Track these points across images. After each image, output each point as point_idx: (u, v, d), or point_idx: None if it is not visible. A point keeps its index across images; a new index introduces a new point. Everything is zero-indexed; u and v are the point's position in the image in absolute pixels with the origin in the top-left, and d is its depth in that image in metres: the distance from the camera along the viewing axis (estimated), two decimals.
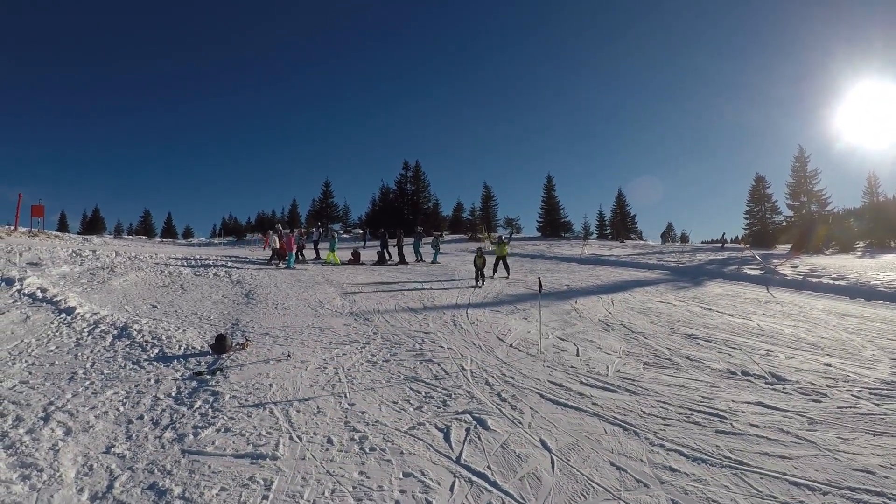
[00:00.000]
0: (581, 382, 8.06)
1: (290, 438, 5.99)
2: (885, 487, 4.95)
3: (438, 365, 8.88)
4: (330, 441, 5.93)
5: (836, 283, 20.38)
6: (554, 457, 5.56)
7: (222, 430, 6.23)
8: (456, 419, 6.58)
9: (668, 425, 6.46)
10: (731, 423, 6.46)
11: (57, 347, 9.77)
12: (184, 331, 10.99)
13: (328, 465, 5.41)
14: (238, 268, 22.43)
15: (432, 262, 27.94)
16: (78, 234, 60.91)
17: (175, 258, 24.07)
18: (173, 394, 7.51)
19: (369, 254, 30.63)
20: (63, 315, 11.78)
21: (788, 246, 45.05)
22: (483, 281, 18.69)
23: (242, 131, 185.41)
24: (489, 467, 5.33)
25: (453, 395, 7.42)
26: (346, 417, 6.63)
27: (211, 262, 23.66)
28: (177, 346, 9.85)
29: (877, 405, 7.16)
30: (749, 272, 24.29)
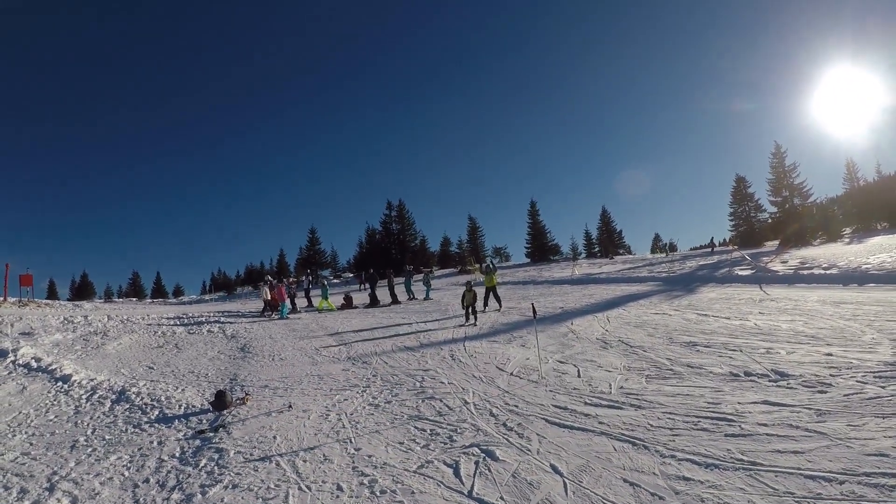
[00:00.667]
0: (585, 403, 8.03)
1: (300, 489, 5.90)
2: None
3: (441, 401, 8.81)
4: (339, 488, 5.85)
5: (828, 272, 20.56)
6: (566, 480, 5.51)
7: (230, 486, 6.14)
8: (464, 453, 6.51)
9: (676, 435, 6.43)
10: (739, 426, 6.44)
11: (56, 416, 9.63)
12: (182, 390, 10.87)
13: None
14: (231, 322, 22.38)
15: (425, 299, 27.94)
16: (68, 300, 60.74)
17: (167, 318, 23.90)
18: (177, 454, 7.40)
19: (362, 297, 30.59)
20: (59, 383, 11.65)
21: (776, 242, 45.37)
22: (476, 318, 17.50)
23: (225, 185, 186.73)
24: (502, 498, 5.27)
25: (459, 430, 7.34)
26: (353, 463, 6.54)
27: (203, 319, 23.52)
28: (177, 406, 9.72)
29: (883, 388, 7.19)
30: (740, 273, 24.48)
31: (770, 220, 54.78)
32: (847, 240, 41.72)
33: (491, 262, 23.05)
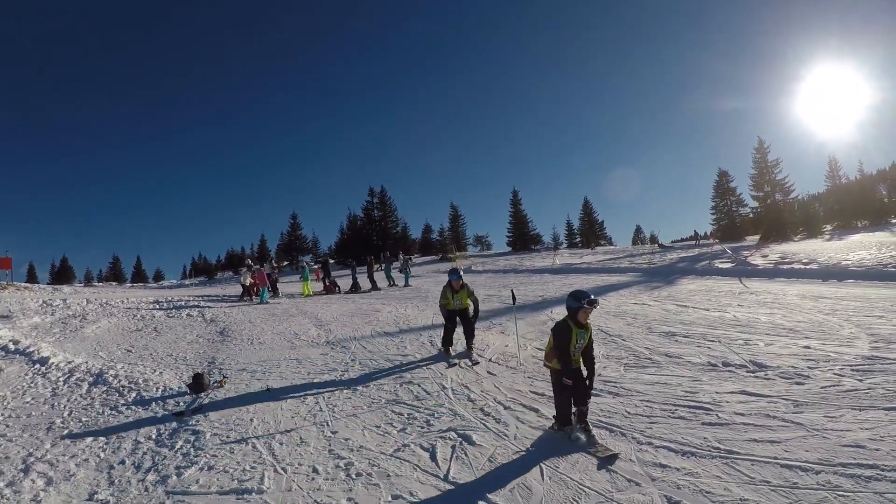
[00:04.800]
0: None
1: (275, 471, 5.88)
2: (876, 460, 5.01)
3: (419, 385, 8.80)
4: (315, 470, 5.83)
5: (808, 267, 20.66)
6: (543, 465, 5.52)
7: (205, 468, 6.10)
8: (441, 437, 6.52)
9: (654, 423, 6.48)
10: (716, 415, 6.49)
11: (33, 399, 9.51)
12: (160, 373, 10.78)
13: (315, 494, 5.31)
14: (210, 307, 22.25)
15: (405, 286, 27.87)
16: (48, 284, 60.18)
17: (147, 302, 23.74)
18: (153, 436, 7.34)
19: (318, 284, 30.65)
20: (37, 366, 11.51)
21: (757, 237, 45.72)
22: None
23: (207, 169, 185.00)
24: (478, 482, 5.28)
25: (436, 415, 7.35)
26: (329, 445, 6.53)
27: (183, 303, 23.41)
28: (154, 389, 9.64)
29: (860, 381, 7.26)
30: (721, 266, 24.57)
31: (751, 215, 55.08)
32: (827, 236, 42.29)
33: (464, 267, 20.93)
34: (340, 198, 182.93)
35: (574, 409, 6.38)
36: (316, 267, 37.11)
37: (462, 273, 10.98)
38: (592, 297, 6.35)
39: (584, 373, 6.42)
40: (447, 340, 10.93)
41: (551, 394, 7.32)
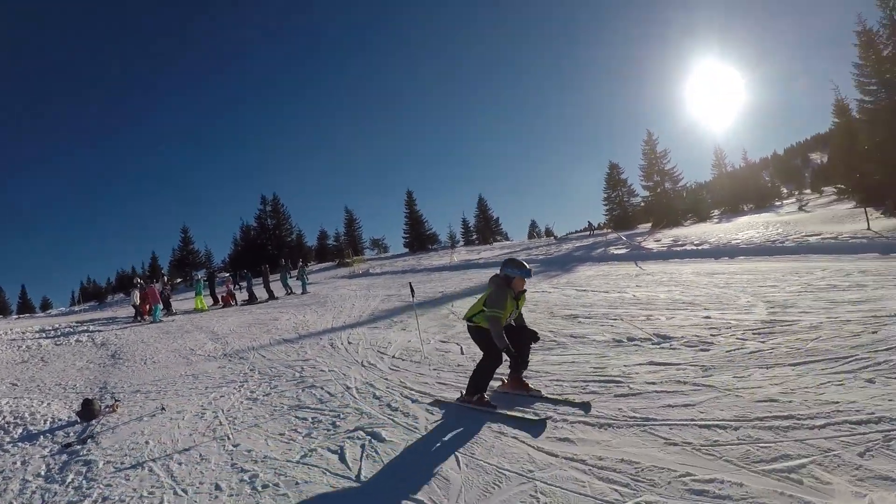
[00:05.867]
0: None
1: (175, 493, 5.50)
2: (791, 411, 5.15)
3: (322, 388, 8.56)
4: (218, 487, 5.48)
5: (700, 247, 21.52)
6: (458, 454, 5.35)
7: (99, 499, 5.65)
8: (348, 438, 6.27)
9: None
10: (627, 386, 6.50)
11: None
12: (48, 404, 10.12)
13: None
14: (101, 330, 21.53)
15: (302, 293, 27.67)
16: None
17: (33, 331, 22.69)
18: (42, 472, 6.80)
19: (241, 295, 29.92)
20: None
21: (649, 224, 47.30)
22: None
23: (90, 192, 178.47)
24: (392, 478, 5.06)
25: (342, 416, 7.11)
26: (232, 460, 6.17)
27: (71, 329, 22.46)
28: (42, 422, 9.02)
29: (762, 342, 7.53)
30: (616, 252, 25.21)
31: (643, 204, 56.67)
32: (716, 220, 44.68)
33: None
34: (232, 208, 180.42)
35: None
36: (227, 276, 36.48)
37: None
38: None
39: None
40: (487, 379, 6.67)
41: (459, 383, 7.21)
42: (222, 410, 8.17)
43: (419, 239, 69.20)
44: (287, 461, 5.89)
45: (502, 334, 6.24)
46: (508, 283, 6.60)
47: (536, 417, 5.82)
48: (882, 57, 28.06)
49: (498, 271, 6.87)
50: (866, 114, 29.99)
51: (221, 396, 9.02)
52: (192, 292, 30.45)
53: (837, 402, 5.22)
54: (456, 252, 47.70)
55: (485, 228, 74.14)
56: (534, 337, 6.78)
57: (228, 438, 6.88)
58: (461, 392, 6.87)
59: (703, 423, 5.20)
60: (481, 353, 6.70)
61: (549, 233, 75.13)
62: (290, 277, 31.17)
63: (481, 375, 6.55)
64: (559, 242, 43.26)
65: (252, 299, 27.13)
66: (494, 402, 6.50)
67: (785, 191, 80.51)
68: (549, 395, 6.56)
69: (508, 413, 6.07)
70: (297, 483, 5.30)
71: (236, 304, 26.78)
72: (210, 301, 28.14)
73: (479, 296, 7.09)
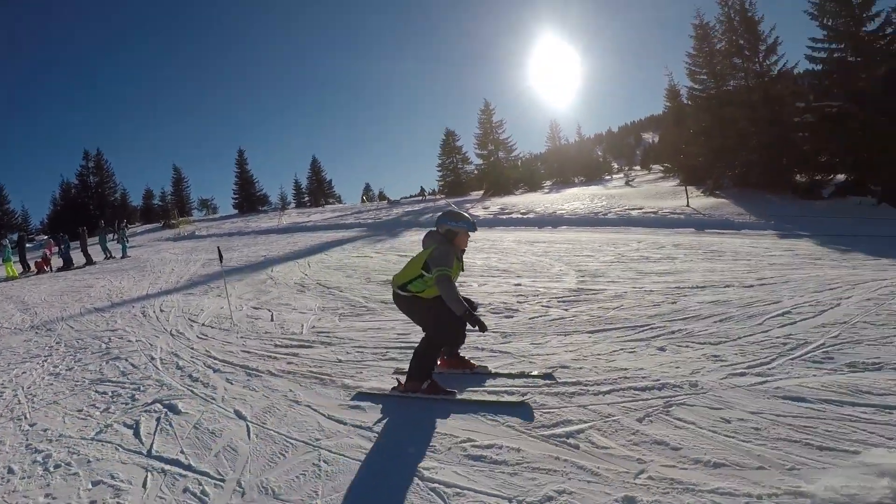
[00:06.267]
0: (276, 345, 8.09)
1: None
2: (580, 377, 5.52)
3: (126, 360, 8.32)
4: (11, 471, 5.20)
5: (526, 216, 22.35)
6: (249, 424, 5.38)
7: None
8: (145, 411, 6.15)
9: (365, 367, 6.63)
10: None
11: None
12: None
13: (10, 497, 4.78)
14: None
15: (122, 258, 26.70)
16: None
17: None
18: None
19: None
20: None
21: (482, 192, 48.63)
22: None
23: None
24: (182, 451, 5.02)
25: (142, 388, 6.94)
26: (27, 440, 5.87)
27: None
28: None
29: (566, 311, 8.06)
30: None
31: (476, 172, 57.80)
32: (546, 190, 46.37)
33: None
34: (55, 164, 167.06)
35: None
36: (47, 239, 34.52)
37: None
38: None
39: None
40: (434, 360, 5.74)
41: (263, 351, 7.36)
42: (22, 388, 7.74)
43: (249, 200, 67.84)
44: (82, 438, 5.71)
45: (459, 297, 5.31)
46: (451, 239, 5.70)
47: (515, 399, 5.17)
48: (715, 50, 30.45)
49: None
50: (695, 101, 32.61)
51: (23, 373, 8.53)
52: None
53: (626, 369, 5.62)
54: (286, 214, 47.50)
55: (317, 190, 73.47)
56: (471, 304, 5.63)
57: (25, 418, 6.55)
58: (398, 380, 5.78)
59: (492, 388, 5.51)
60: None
61: (382, 196, 75.44)
62: (111, 240, 29.75)
63: (426, 356, 5.53)
64: (391, 206, 44.07)
65: (68, 265, 25.55)
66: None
67: (616, 166, 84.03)
68: (500, 372, 5.91)
69: (478, 399, 5.30)
70: (89, 461, 5.15)
71: (51, 270, 25.23)
72: (20, 268, 26.21)
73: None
